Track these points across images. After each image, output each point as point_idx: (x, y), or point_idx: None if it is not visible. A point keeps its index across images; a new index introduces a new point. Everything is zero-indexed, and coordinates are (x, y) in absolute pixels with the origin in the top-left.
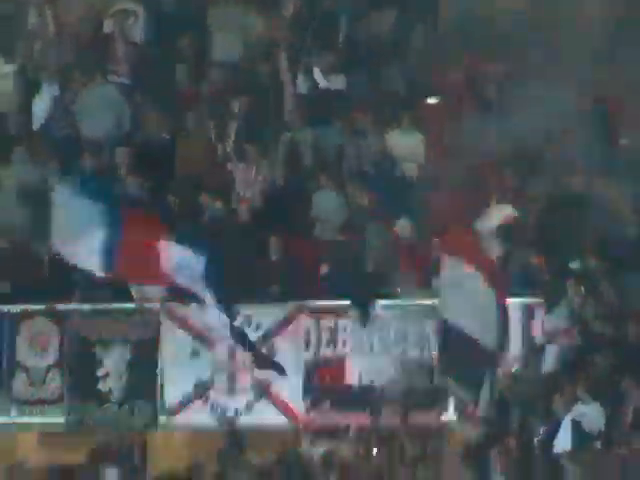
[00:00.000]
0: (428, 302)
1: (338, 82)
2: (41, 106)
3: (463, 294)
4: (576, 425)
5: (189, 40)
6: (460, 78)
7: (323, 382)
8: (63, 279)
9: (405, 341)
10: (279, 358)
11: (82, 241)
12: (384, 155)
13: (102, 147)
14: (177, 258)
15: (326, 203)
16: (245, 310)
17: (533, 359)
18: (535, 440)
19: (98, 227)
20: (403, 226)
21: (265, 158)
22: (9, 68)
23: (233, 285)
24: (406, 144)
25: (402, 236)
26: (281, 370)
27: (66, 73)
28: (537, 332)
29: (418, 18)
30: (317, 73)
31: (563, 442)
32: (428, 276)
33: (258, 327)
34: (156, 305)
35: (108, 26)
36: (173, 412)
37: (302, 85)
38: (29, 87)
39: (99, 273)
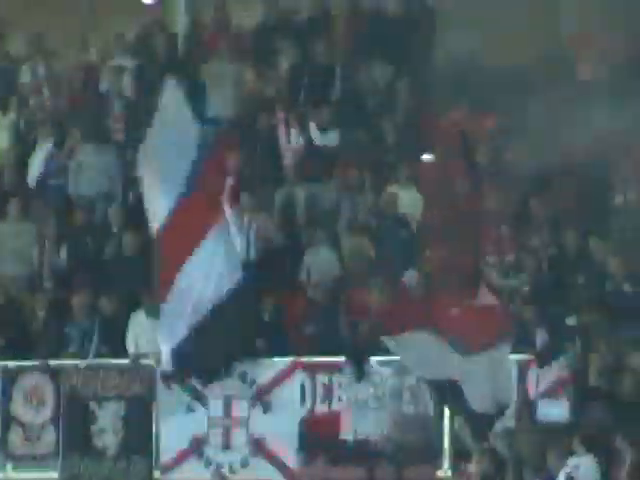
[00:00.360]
0: None
1: (332, 138)
2: (36, 162)
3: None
4: (570, 478)
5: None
6: (451, 133)
7: (318, 437)
8: (58, 334)
9: (400, 397)
10: (274, 413)
11: None
12: (387, 209)
13: (94, 204)
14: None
15: (320, 259)
16: (240, 366)
17: (527, 414)
18: None
19: None
20: (411, 277)
21: (260, 212)
22: (5, 121)
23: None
24: (404, 199)
25: (410, 288)
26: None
27: (62, 130)
28: (532, 387)
29: (410, 72)
30: (312, 128)
31: None
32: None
33: (253, 383)
34: (151, 361)
35: (104, 82)
36: (168, 468)
37: (297, 140)
38: (24, 143)
39: None
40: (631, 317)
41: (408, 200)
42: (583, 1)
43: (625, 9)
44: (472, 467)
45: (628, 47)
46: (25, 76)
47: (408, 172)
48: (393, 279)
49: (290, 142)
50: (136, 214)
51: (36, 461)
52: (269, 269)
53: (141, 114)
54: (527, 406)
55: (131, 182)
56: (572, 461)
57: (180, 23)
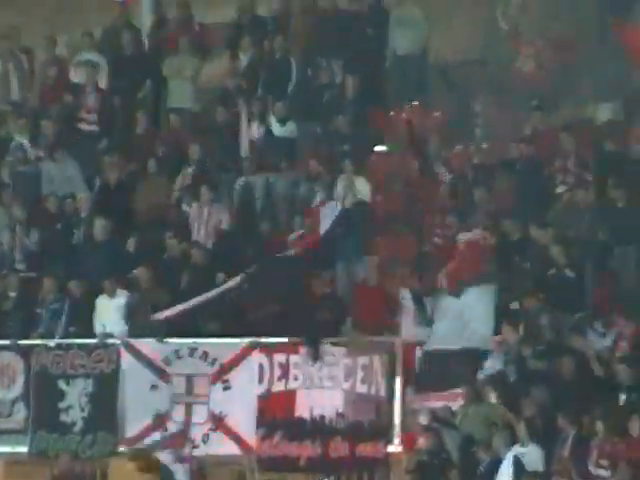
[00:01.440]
0: (376, 339)
1: (290, 129)
2: (10, 153)
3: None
4: (517, 461)
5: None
6: (402, 127)
7: (275, 414)
8: (28, 315)
9: (354, 376)
10: (233, 391)
11: None
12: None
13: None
14: None
15: None
16: (202, 346)
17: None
18: (478, 471)
19: None
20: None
21: (218, 201)
22: None
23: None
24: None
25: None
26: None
27: (35, 122)
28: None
29: (362, 68)
30: (272, 120)
31: (505, 476)
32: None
33: (214, 361)
34: (116, 340)
35: (75, 76)
36: (133, 442)
37: (256, 132)
38: None
39: None
40: (571, 301)
41: (360, 188)
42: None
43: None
44: (420, 443)
45: (562, 48)
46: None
47: (359, 162)
48: (349, 264)
49: (249, 134)
50: (104, 200)
51: (6, 436)
52: (225, 256)
53: (112, 106)
54: (474, 392)
55: (100, 170)
56: (518, 449)
57: (145, 20)
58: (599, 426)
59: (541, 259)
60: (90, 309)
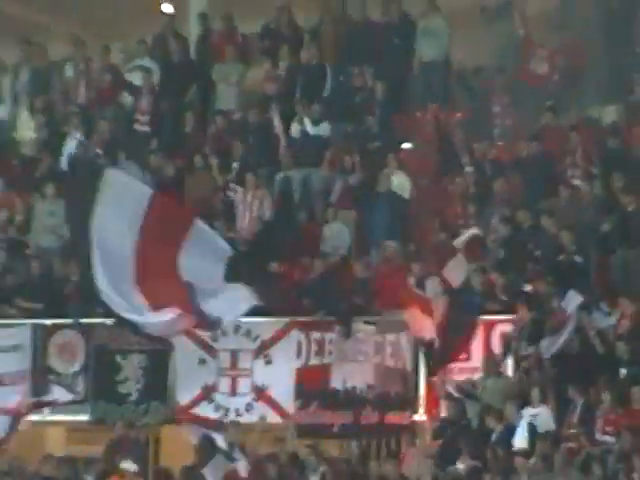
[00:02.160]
0: (402, 317)
1: (324, 129)
2: (68, 150)
3: None
4: (531, 427)
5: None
6: (429, 125)
7: (311, 386)
8: (88, 296)
9: (383, 352)
10: (274, 365)
11: None
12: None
13: None
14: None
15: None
16: (245, 324)
17: (493, 370)
18: (493, 437)
19: None
20: (389, 247)
21: (261, 188)
22: (38, 119)
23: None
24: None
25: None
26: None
27: (90, 121)
28: (496, 346)
29: (391, 74)
30: (307, 121)
31: (520, 441)
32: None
33: (256, 338)
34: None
35: (129, 81)
36: (185, 410)
37: (294, 131)
38: (58, 133)
39: None
40: (579, 284)
41: (396, 182)
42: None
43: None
44: (443, 413)
45: (572, 54)
46: (68, 72)
47: (394, 158)
48: (377, 250)
49: (288, 133)
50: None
51: (68, 406)
52: (267, 242)
53: (163, 107)
54: (493, 364)
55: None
56: (529, 411)
57: (192, 30)
58: (605, 396)
59: (552, 246)
60: None
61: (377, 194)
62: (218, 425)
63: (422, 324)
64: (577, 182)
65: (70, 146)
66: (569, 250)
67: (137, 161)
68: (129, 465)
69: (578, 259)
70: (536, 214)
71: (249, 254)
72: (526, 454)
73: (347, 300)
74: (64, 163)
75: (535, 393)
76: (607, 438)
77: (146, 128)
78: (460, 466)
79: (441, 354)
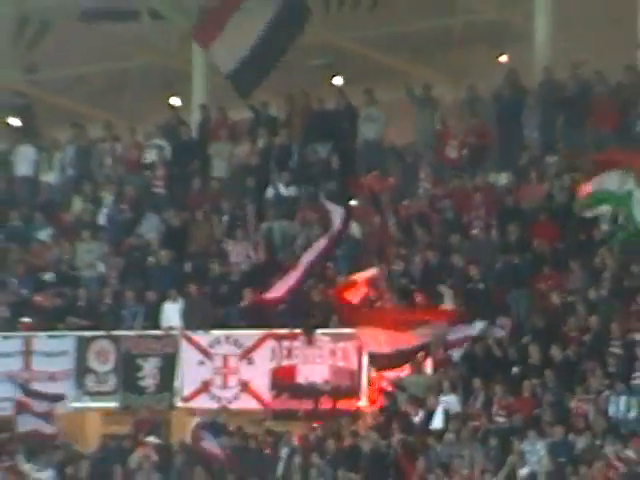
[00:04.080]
0: (350, 330)
1: (292, 191)
2: (104, 210)
3: None
4: (445, 411)
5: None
6: (367, 189)
7: (283, 381)
8: (117, 315)
9: (335, 355)
10: (255, 366)
11: None
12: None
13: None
14: None
15: None
16: (233, 335)
17: (417, 369)
18: (417, 419)
19: None
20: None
21: (248, 240)
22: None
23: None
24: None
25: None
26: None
27: (121, 187)
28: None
29: (341, 149)
30: (280, 185)
31: (437, 422)
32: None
33: (241, 345)
34: (177, 331)
35: (148, 155)
36: (187, 400)
37: (270, 193)
38: (95, 198)
39: None
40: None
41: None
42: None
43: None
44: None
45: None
46: (103, 148)
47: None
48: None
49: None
50: (168, 238)
51: (103, 396)
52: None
53: (175, 176)
54: (415, 362)
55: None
56: (443, 397)
57: (194, 117)
58: (499, 388)
59: (461, 276)
60: (158, 311)
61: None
62: (214, 411)
63: (370, 338)
64: (478, 231)
65: (106, 204)
66: (474, 279)
67: (155, 214)
68: (153, 439)
69: (481, 286)
70: (449, 253)
71: (240, 285)
72: (442, 431)
73: (308, 317)
74: (102, 218)
75: (447, 385)
76: (500, 419)
77: (161, 190)
78: (393, 439)
79: (388, 362)
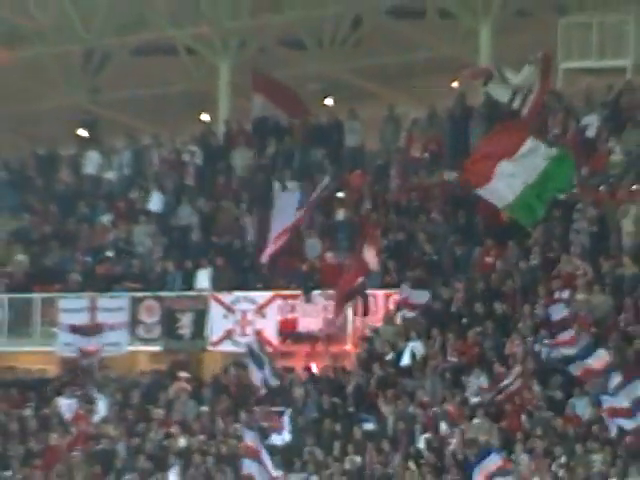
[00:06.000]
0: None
1: (294, 186)
2: (156, 204)
3: None
4: (412, 352)
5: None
6: (352, 184)
7: (287, 329)
8: (161, 279)
9: (327, 309)
10: (266, 318)
11: None
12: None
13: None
14: None
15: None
16: (250, 294)
17: (389, 320)
18: (388, 357)
19: None
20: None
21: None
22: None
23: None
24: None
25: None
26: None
27: (162, 183)
28: (390, 307)
29: (332, 153)
30: (289, 182)
31: (405, 361)
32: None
33: (255, 303)
34: (207, 292)
35: (185, 158)
36: (214, 344)
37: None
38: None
39: None
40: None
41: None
42: None
43: None
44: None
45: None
46: (152, 153)
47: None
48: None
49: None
50: (204, 224)
51: (150, 341)
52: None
53: (205, 175)
54: (388, 315)
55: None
56: (411, 343)
57: (220, 130)
58: (451, 335)
59: (420, 250)
60: (192, 277)
61: (335, 222)
62: (236, 354)
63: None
64: (437, 215)
65: (153, 195)
66: (429, 252)
67: (190, 203)
68: (184, 374)
69: (435, 257)
70: (415, 232)
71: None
72: (409, 369)
73: (306, 281)
74: (150, 206)
75: (413, 334)
76: (453, 359)
77: (192, 183)
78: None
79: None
